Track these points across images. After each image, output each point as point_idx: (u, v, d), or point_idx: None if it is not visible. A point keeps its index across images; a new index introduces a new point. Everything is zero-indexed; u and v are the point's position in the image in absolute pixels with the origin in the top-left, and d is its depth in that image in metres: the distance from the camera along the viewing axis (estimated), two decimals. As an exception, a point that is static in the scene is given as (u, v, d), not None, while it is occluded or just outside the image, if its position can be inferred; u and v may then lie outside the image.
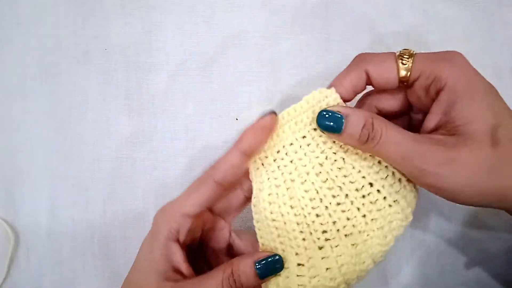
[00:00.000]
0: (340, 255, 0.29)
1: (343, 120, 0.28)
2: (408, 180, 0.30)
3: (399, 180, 0.30)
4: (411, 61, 0.28)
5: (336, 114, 0.28)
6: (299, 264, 0.29)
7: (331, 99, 0.30)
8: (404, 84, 0.29)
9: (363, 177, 0.29)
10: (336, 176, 0.29)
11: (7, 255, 0.40)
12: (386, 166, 0.29)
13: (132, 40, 0.43)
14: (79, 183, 0.42)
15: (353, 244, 0.29)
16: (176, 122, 0.42)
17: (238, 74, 0.43)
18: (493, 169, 0.26)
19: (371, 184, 0.29)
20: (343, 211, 0.29)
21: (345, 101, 0.30)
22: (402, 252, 0.41)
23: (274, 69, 0.43)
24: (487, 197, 0.27)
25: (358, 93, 0.31)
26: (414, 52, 0.29)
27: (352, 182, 0.29)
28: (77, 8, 0.44)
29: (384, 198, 0.29)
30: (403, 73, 0.28)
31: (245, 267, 0.28)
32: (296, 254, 0.29)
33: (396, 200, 0.29)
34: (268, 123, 0.29)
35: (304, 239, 0.29)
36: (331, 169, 0.29)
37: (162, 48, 0.43)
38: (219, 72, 0.43)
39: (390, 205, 0.29)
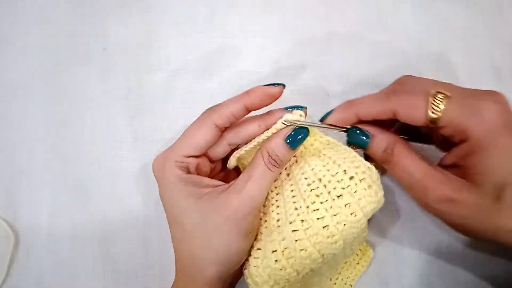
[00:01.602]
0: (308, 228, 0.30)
1: (369, 139, 0.31)
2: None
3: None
4: (441, 109, 0.28)
5: (364, 132, 0.31)
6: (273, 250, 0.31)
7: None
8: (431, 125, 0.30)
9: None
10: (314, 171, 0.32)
11: (7, 255, 0.40)
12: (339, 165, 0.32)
13: (132, 40, 0.43)
14: (79, 183, 0.42)
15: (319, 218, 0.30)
16: (176, 122, 0.42)
17: (238, 74, 0.43)
18: (489, 219, 0.28)
19: (344, 171, 0.31)
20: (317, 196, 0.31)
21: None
22: (402, 253, 0.41)
23: (274, 68, 0.43)
24: (482, 237, 0.30)
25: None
26: (448, 96, 0.28)
27: (332, 175, 0.31)
28: (77, 8, 0.44)
29: (351, 178, 0.31)
30: (431, 117, 0.28)
31: (278, 147, 0.31)
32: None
33: (363, 179, 0.31)
34: (275, 92, 0.32)
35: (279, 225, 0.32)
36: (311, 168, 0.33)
37: (162, 48, 0.43)
38: (219, 72, 0.43)
39: (356, 184, 0.31)
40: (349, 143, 0.33)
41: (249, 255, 0.33)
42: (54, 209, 0.42)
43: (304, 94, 0.42)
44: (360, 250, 0.39)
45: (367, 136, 0.31)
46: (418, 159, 0.30)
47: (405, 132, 0.34)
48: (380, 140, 0.31)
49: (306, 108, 0.33)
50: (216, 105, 0.33)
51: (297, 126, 0.32)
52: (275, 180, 0.34)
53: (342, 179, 0.31)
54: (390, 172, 0.31)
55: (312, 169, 0.32)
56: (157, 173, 0.34)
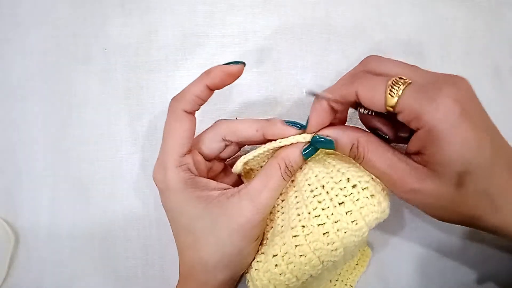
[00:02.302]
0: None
1: (333, 143, 0.32)
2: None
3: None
4: (399, 94, 0.28)
5: (327, 139, 0.32)
6: (275, 255, 0.31)
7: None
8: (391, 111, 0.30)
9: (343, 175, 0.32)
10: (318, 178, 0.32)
11: (7, 255, 0.40)
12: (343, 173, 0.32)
13: (132, 40, 0.43)
14: (79, 183, 0.42)
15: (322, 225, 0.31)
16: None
17: (238, 74, 0.43)
18: (453, 206, 0.28)
19: (348, 180, 0.31)
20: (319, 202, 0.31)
21: (336, 112, 0.33)
22: (402, 252, 0.41)
23: (274, 69, 0.43)
24: (450, 221, 0.30)
25: (347, 106, 0.32)
26: (408, 82, 0.28)
27: (335, 182, 0.32)
28: (77, 8, 0.44)
29: (353, 186, 0.31)
30: (389, 101, 0.28)
31: (295, 158, 0.32)
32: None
33: (366, 188, 0.31)
34: (235, 71, 0.33)
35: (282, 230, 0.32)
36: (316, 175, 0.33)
37: (162, 48, 0.43)
38: (219, 72, 0.43)
39: (358, 192, 0.31)
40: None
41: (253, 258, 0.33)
42: (54, 209, 0.42)
43: (304, 94, 0.42)
44: (359, 250, 0.39)
45: (330, 141, 0.32)
46: (382, 151, 0.30)
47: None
48: (344, 140, 0.31)
49: (305, 127, 0.33)
50: (180, 93, 0.33)
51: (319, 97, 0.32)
52: None
53: (344, 187, 0.31)
54: (362, 166, 0.32)
55: (316, 175, 0.32)
56: (160, 184, 0.33)
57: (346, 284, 0.39)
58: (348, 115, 0.35)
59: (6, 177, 0.42)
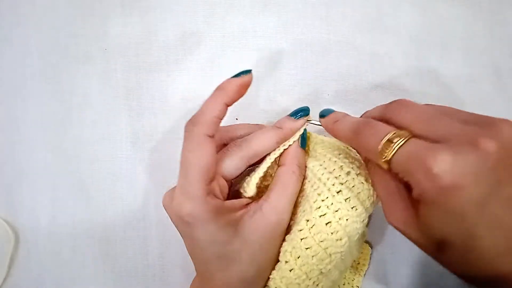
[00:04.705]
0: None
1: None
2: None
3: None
4: (390, 157, 0.26)
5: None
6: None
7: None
8: None
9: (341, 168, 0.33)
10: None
11: (8, 255, 0.40)
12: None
13: (132, 40, 0.43)
14: (79, 183, 0.42)
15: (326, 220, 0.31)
16: (176, 122, 0.42)
17: (238, 74, 0.43)
18: (435, 258, 0.29)
19: (341, 167, 0.32)
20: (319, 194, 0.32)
21: None
22: (402, 252, 0.41)
23: (274, 69, 0.43)
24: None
25: None
26: (407, 138, 0.26)
27: (330, 172, 0.32)
28: (77, 8, 0.44)
29: (347, 173, 0.32)
30: (383, 161, 0.26)
31: (298, 153, 0.33)
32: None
33: (359, 173, 0.32)
34: (248, 81, 0.32)
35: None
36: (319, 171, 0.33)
37: (162, 48, 0.43)
38: (219, 72, 0.43)
39: (353, 178, 0.32)
40: None
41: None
42: (54, 209, 0.42)
43: (305, 94, 0.42)
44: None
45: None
46: (387, 179, 0.29)
47: None
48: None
49: (308, 113, 0.34)
50: (197, 115, 0.30)
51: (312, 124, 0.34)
52: None
53: (339, 175, 0.32)
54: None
55: (311, 170, 0.33)
56: (188, 217, 0.29)
57: (352, 286, 0.39)
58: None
59: (6, 177, 0.42)
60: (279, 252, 0.32)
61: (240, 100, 0.42)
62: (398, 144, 0.26)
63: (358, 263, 0.40)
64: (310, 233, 0.30)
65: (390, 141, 0.26)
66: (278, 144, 0.34)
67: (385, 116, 0.29)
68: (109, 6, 0.44)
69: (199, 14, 0.44)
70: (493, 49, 0.44)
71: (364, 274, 0.40)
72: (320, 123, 0.33)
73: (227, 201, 0.31)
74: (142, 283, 0.41)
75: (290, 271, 0.31)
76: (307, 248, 0.30)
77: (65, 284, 0.41)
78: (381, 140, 0.26)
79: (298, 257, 0.30)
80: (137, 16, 0.44)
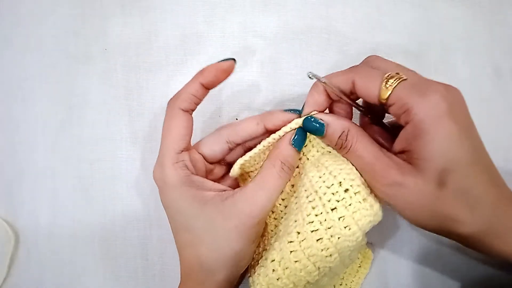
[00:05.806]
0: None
1: (324, 127, 0.32)
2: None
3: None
4: (393, 87, 0.29)
5: (319, 121, 0.32)
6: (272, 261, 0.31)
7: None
8: (384, 104, 0.30)
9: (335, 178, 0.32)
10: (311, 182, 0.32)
11: (8, 255, 0.41)
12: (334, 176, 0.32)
13: (132, 40, 0.43)
14: (79, 183, 0.42)
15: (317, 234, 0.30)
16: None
17: (238, 74, 0.43)
18: (433, 205, 0.28)
19: (340, 184, 0.31)
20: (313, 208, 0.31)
21: (331, 100, 0.33)
22: (402, 252, 0.41)
23: (274, 69, 0.43)
24: (428, 226, 0.30)
25: (342, 95, 0.32)
26: (403, 78, 0.29)
27: (328, 187, 0.31)
28: (77, 8, 0.44)
29: (346, 190, 0.31)
30: (383, 95, 0.29)
31: (288, 151, 0.32)
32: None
33: (358, 192, 0.31)
34: (227, 67, 0.34)
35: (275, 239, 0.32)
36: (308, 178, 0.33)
37: (162, 48, 0.43)
38: (219, 72, 0.43)
39: (351, 197, 0.30)
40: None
41: (257, 263, 0.33)
42: (54, 209, 0.42)
43: (304, 94, 0.42)
44: (360, 253, 0.39)
45: (321, 125, 0.32)
46: (370, 143, 0.31)
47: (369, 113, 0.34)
48: (336, 127, 0.31)
49: (301, 111, 0.33)
50: (176, 93, 0.34)
51: (322, 82, 0.32)
52: (281, 192, 0.34)
53: (337, 191, 0.31)
54: (346, 157, 0.32)
55: (310, 180, 0.32)
56: (158, 181, 0.33)
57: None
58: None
59: (6, 177, 0.42)
60: (248, 247, 0.31)
61: (240, 100, 0.43)
62: (398, 81, 0.29)
63: (359, 266, 0.40)
64: (300, 246, 0.30)
65: (388, 79, 0.29)
66: (259, 126, 0.34)
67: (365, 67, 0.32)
68: (109, 6, 0.44)
69: (199, 14, 0.44)
70: (493, 49, 0.44)
71: (364, 277, 0.40)
72: (319, 77, 0.32)
73: (197, 176, 0.33)
74: (142, 283, 0.41)
75: (277, 279, 0.30)
76: (296, 261, 0.30)
77: (65, 284, 0.41)
78: (382, 78, 0.29)
79: (286, 268, 0.30)
80: (137, 16, 0.44)
